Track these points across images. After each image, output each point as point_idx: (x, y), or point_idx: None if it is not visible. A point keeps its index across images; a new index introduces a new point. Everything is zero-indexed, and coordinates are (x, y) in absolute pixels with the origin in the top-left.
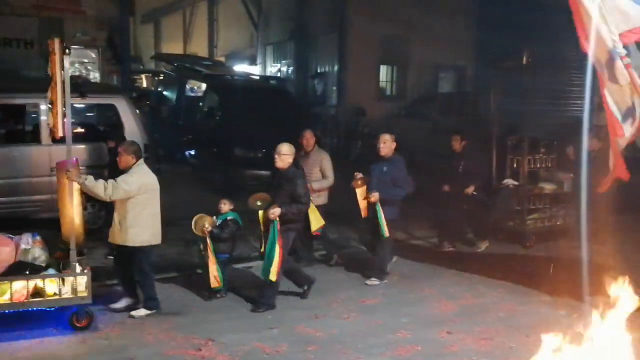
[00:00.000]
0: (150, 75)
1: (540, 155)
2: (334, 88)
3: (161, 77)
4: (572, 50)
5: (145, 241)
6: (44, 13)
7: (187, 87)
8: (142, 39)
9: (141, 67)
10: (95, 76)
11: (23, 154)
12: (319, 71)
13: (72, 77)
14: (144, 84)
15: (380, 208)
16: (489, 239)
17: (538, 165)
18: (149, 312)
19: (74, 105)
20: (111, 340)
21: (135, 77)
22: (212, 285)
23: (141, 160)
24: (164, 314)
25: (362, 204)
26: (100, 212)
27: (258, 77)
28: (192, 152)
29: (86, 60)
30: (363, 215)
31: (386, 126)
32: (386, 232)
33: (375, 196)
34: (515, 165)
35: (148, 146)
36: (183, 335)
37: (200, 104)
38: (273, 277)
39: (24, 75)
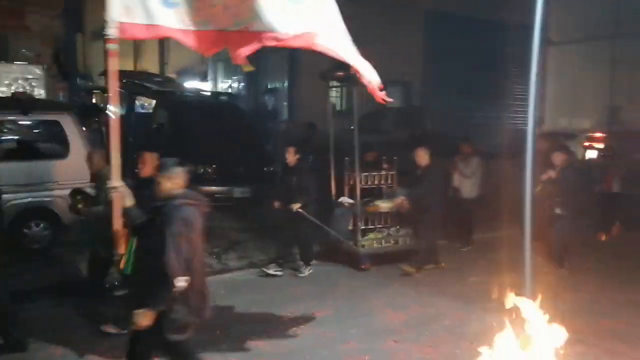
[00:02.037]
0: (100, 92)
1: (381, 172)
2: (285, 103)
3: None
4: (515, 65)
5: None
6: None
7: (137, 103)
8: (92, 55)
9: (90, 84)
10: (40, 93)
11: None
12: (269, 87)
13: (15, 94)
14: (95, 101)
15: None
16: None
17: (377, 182)
18: None
19: (18, 121)
20: None
21: (83, 94)
22: None
23: None
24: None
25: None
26: (44, 232)
27: (209, 93)
28: None
29: (31, 77)
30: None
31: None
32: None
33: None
34: (351, 182)
35: None
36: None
37: (151, 120)
38: None
39: None
